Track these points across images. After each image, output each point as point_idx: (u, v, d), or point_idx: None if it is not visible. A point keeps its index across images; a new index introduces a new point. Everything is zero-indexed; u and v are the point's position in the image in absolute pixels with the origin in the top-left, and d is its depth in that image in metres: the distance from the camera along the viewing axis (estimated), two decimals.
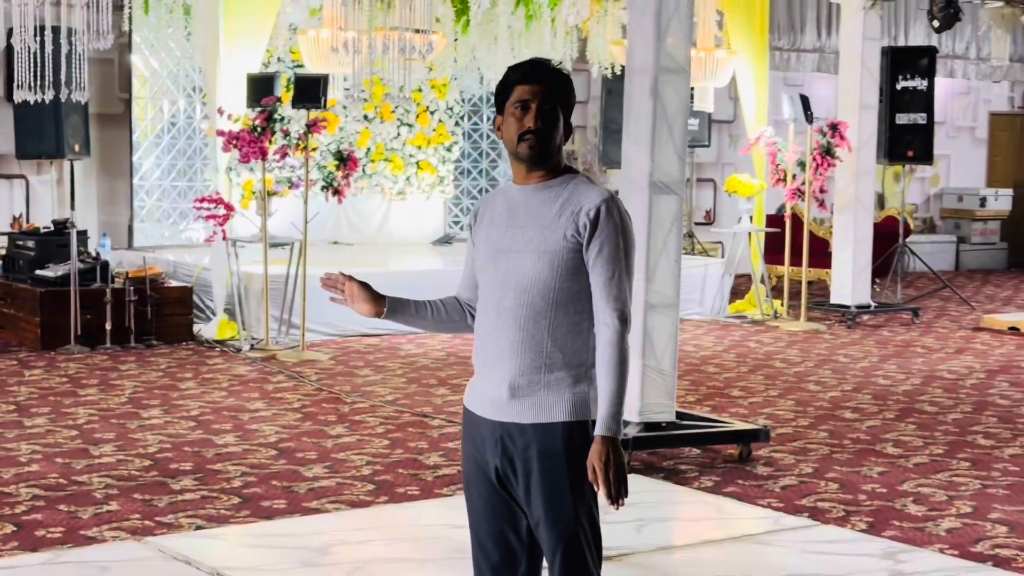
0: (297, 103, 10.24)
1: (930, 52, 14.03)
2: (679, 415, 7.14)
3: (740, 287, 13.75)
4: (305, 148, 10.21)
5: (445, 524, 5.69)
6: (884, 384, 9.56)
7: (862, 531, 5.78)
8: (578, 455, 3.20)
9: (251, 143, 9.90)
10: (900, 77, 13.60)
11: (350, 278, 3.39)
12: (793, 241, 12.62)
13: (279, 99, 10.18)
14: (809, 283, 12.80)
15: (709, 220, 16.80)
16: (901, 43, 17.02)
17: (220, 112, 10.27)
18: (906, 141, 13.67)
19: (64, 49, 10.25)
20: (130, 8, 11.98)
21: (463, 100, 14.93)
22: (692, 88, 10.91)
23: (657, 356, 6.93)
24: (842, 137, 12.21)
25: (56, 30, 10.17)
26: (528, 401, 3.22)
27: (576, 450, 3.20)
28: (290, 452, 7.10)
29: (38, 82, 9.79)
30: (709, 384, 9.41)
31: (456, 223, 15.42)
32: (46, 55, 9.75)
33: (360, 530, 5.64)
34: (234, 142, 9.92)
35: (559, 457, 3.21)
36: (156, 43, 13.14)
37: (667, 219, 6.97)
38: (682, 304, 7.44)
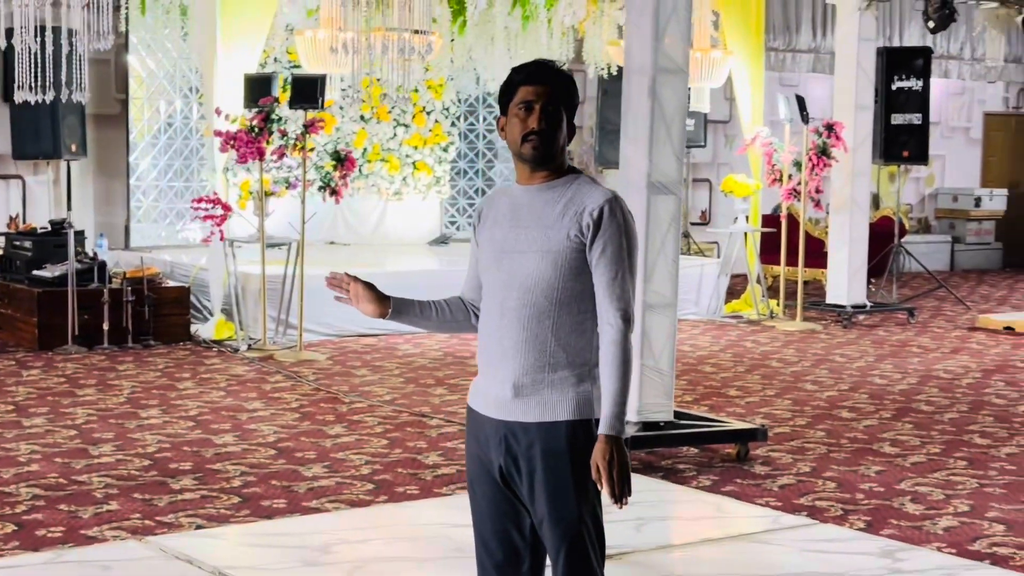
0: (294, 103, 10.26)
1: (925, 53, 14.06)
2: (677, 414, 7.17)
3: (736, 287, 13.78)
4: (302, 148, 10.22)
5: (445, 523, 5.71)
6: (880, 384, 9.59)
7: (860, 530, 5.80)
8: (582, 454, 3.22)
9: (248, 143, 9.91)
10: (895, 77, 13.63)
11: (355, 278, 3.41)
12: (789, 241, 12.65)
13: (276, 99, 10.19)
14: (805, 283, 12.83)
15: (705, 220, 16.82)
16: (896, 44, 17.06)
17: (218, 112, 10.28)
18: (901, 141, 13.71)
19: (64, 50, 10.25)
20: (127, 9, 11.97)
21: (459, 100, 14.95)
22: (688, 88, 10.92)
23: (655, 356, 6.95)
24: (838, 137, 12.25)
25: (56, 31, 10.17)
26: (532, 400, 3.23)
27: (580, 449, 3.22)
28: (289, 452, 7.11)
29: (38, 83, 9.79)
30: (706, 384, 9.44)
31: (452, 223, 15.44)
32: (46, 56, 9.76)
33: (360, 529, 5.66)
34: (232, 142, 9.94)
35: (563, 456, 3.23)
36: (153, 44, 13.15)
37: (665, 219, 6.99)
38: (678, 304, 7.46)
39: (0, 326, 10.90)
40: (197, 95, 13.23)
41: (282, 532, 5.58)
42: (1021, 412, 8.63)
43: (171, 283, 11.11)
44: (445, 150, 14.66)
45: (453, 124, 14.78)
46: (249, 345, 10.43)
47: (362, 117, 14.02)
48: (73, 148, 11.97)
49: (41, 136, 11.83)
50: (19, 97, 9.82)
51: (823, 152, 12.22)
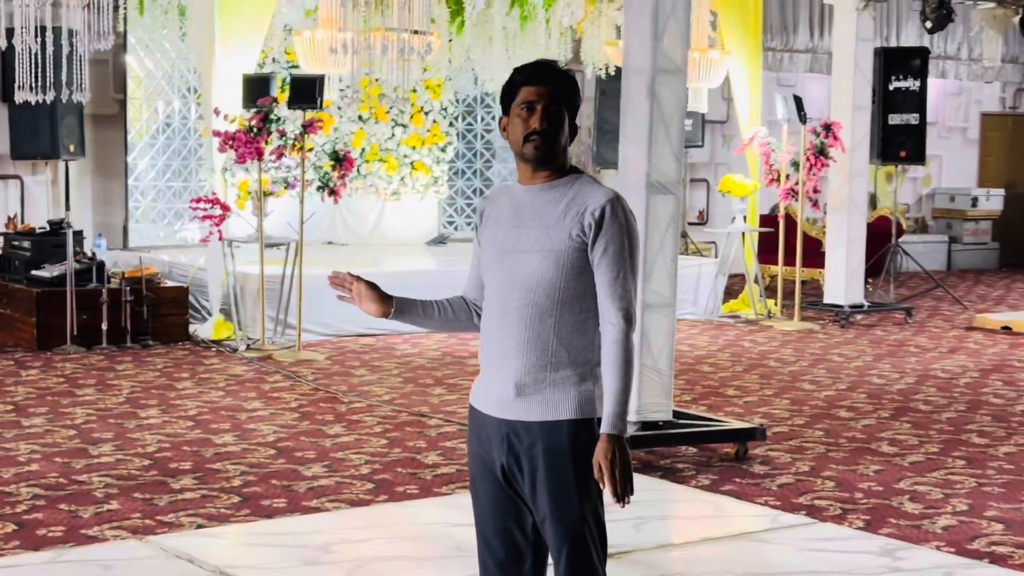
0: (293, 104, 10.26)
1: (922, 53, 14.08)
2: (676, 414, 7.18)
3: (734, 287, 13.79)
4: (301, 148, 10.23)
5: (445, 522, 5.73)
6: (878, 383, 9.61)
7: (859, 529, 5.82)
8: (584, 453, 3.23)
9: (247, 143, 9.92)
10: (893, 78, 13.64)
11: (358, 278, 3.43)
12: (786, 241, 12.67)
13: (275, 100, 10.20)
14: (802, 283, 12.84)
15: (702, 220, 16.84)
16: (893, 44, 17.08)
17: (216, 112, 10.29)
18: (899, 141, 13.72)
19: (64, 50, 10.25)
20: (125, 9, 11.97)
21: (457, 101, 14.96)
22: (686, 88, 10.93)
23: (654, 355, 6.96)
24: (835, 137, 12.26)
25: (56, 31, 10.17)
26: (534, 399, 3.25)
27: (582, 448, 3.23)
28: (289, 451, 7.12)
29: (38, 83, 9.79)
30: (704, 383, 9.45)
31: (450, 223, 15.44)
32: (46, 56, 9.76)
33: (360, 528, 5.67)
34: (230, 142, 9.94)
35: (565, 455, 3.24)
36: (151, 44, 13.15)
37: (664, 219, 7.00)
38: (676, 304, 7.47)
39: None
40: (195, 95, 13.23)
41: (282, 531, 5.59)
42: (1019, 411, 8.65)
43: (169, 283, 11.11)
44: (443, 150, 14.67)
45: (451, 124, 14.79)
46: (248, 345, 10.44)
47: (360, 117, 14.03)
48: (71, 148, 11.97)
49: (39, 136, 11.84)
50: (19, 97, 9.82)
51: (821, 152, 12.24)
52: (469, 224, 15.49)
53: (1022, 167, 19.95)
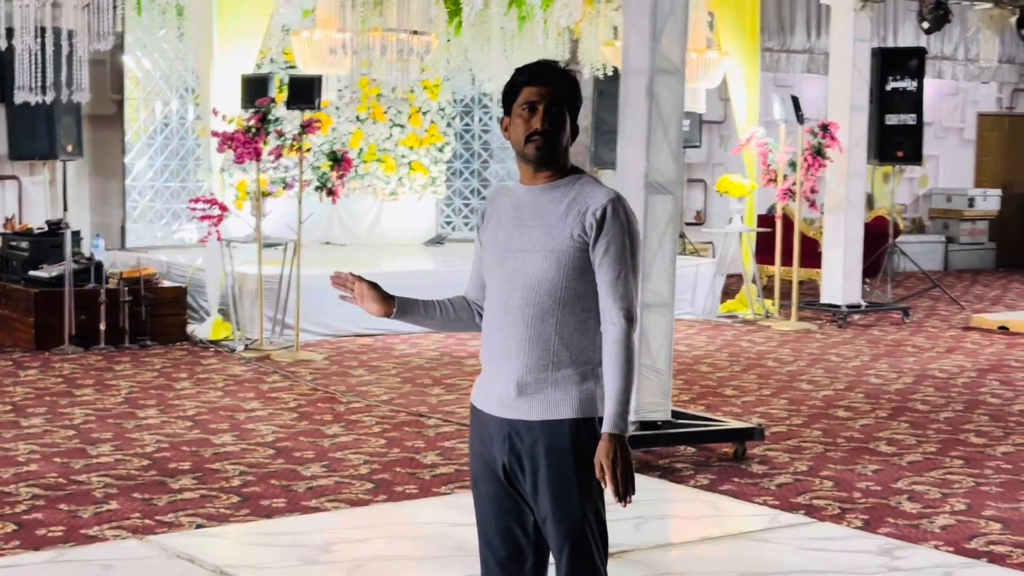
0: (292, 104, 10.27)
1: (919, 53, 14.09)
2: (674, 414, 7.19)
3: (731, 287, 13.81)
4: (299, 149, 10.23)
5: (444, 522, 5.74)
6: (876, 383, 9.62)
7: (858, 528, 5.83)
8: (585, 452, 3.24)
9: (246, 144, 9.92)
10: (890, 78, 13.66)
11: (359, 278, 3.44)
12: (784, 241, 12.68)
13: (273, 100, 10.20)
14: (800, 283, 12.86)
15: (699, 220, 16.85)
16: (890, 44, 17.09)
17: (215, 113, 10.29)
18: (896, 142, 13.73)
19: (63, 51, 10.25)
20: (122, 9, 11.97)
21: (455, 101, 14.97)
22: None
23: (652, 355, 6.97)
24: (833, 138, 12.28)
25: (55, 31, 10.17)
26: (536, 399, 3.26)
27: (583, 447, 3.24)
28: (288, 451, 7.13)
29: (38, 83, 9.80)
30: (702, 383, 9.46)
31: (448, 223, 15.45)
32: (46, 57, 9.76)
33: (360, 528, 5.68)
34: (229, 143, 9.95)
35: (566, 454, 3.25)
36: (149, 44, 13.15)
37: (662, 219, 7.01)
38: (674, 304, 7.47)
39: None
40: (193, 95, 13.24)
41: (282, 531, 5.60)
42: (1016, 411, 8.66)
43: (167, 283, 11.11)
44: (441, 150, 14.68)
45: (449, 124, 14.80)
46: (246, 345, 10.45)
47: (358, 118, 14.04)
48: (69, 149, 11.96)
49: (37, 136, 11.83)
50: (19, 98, 9.83)
51: (818, 152, 12.25)
52: (467, 224, 15.50)
53: (1019, 167, 19.98)
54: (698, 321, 12.68)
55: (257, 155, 10.02)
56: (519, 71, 3.30)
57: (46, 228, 11.26)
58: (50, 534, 5.50)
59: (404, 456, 7.07)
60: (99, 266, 10.59)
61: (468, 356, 10.37)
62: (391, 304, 3.42)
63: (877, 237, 14.12)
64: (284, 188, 10.93)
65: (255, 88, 10.18)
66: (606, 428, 3.19)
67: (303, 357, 10.08)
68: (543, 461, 3.26)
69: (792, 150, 12.44)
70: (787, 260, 12.70)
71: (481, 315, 3.43)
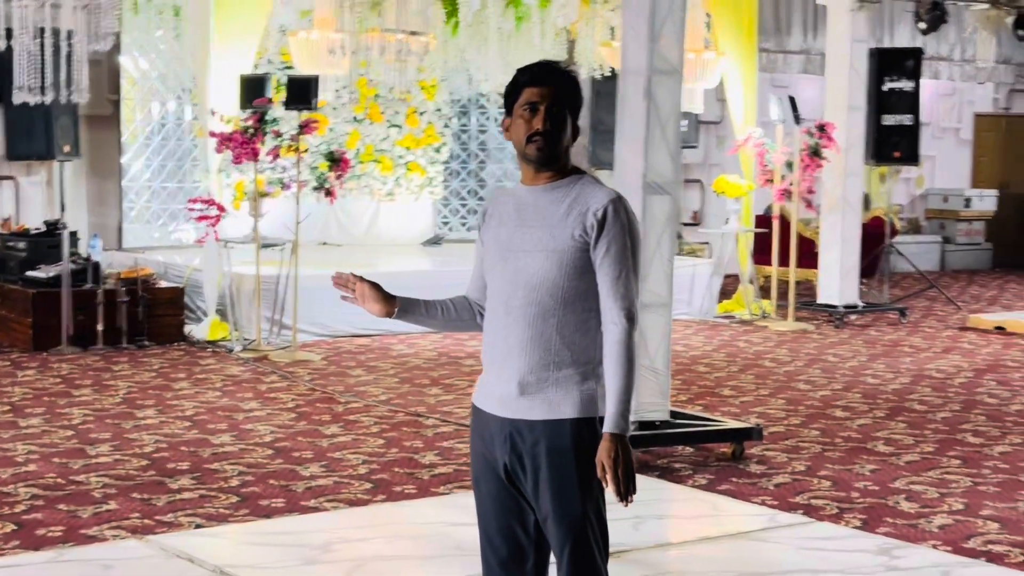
0: (289, 104, 10.27)
1: (916, 54, 14.11)
2: (672, 414, 7.20)
3: (728, 287, 13.81)
4: (297, 149, 10.24)
5: (444, 522, 5.75)
6: (873, 383, 9.64)
7: (856, 528, 5.84)
8: (586, 451, 3.25)
9: (244, 144, 9.93)
10: (887, 78, 13.67)
11: (361, 278, 3.44)
12: (781, 242, 12.69)
13: (271, 100, 10.21)
14: (796, 283, 12.87)
15: (696, 221, 16.86)
16: (887, 45, 17.11)
17: (213, 113, 10.29)
18: (893, 142, 13.74)
19: (62, 51, 10.24)
20: (119, 9, 11.97)
21: (452, 101, 14.97)
22: None
23: (651, 355, 6.98)
24: (830, 138, 12.29)
25: (54, 32, 10.16)
26: (537, 398, 3.26)
27: (584, 446, 3.25)
28: (286, 451, 7.13)
29: (36, 84, 9.79)
30: (700, 383, 9.47)
31: (445, 224, 15.46)
32: (45, 57, 9.76)
33: (359, 528, 5.69)
34: (227, 143, 9.95)
35: (567, 453, 3.26)
36: (146, 44, 13.15)
37: (660, 219, 7.02)
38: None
39: None
40: (190, 96, 13.24)
41: (282, 531, 5.60)
42: (1013, 411, 8.68)
43: (165, 284, 11.11)
44: (438, 151, 14.69)
45: (446, 125, 14.81)
46: (244, 346, 10.45)
47: (355, 118, 14.04)
48: (66, 149, 11.95)
49: (34, 137, 11.82)
50: (18, 98, 9.83)
51: (815, 153, 12.26)
52: (464, 225, 15.51)
53: (1015, 168, 20.01)
54: (695, 321, 12.69)
55: (255, 155, 10.02)
56: (520, 71, 3.31)
57: (44, 228, 11.26)
58: (49, 534, 5.50)
59: (403, 456, 7.08)
60: (96, 266, 10.60)
61: (466, 356, 10.38)
62: (393, 304, 3.42)
63: (874, 237, 14.13)
64: (282, 188, 10.93)
65: (253, 88, 10.18)
66: (607, 428, 3.20)
67: (301, 357, 10.09)
68: (544, 460, 3.27)
69: (789, 150, 12.45)
70: (784, 260, 12.71)
71: (482, 315, 3.44)
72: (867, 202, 16.14)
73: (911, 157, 14.06)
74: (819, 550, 5.50)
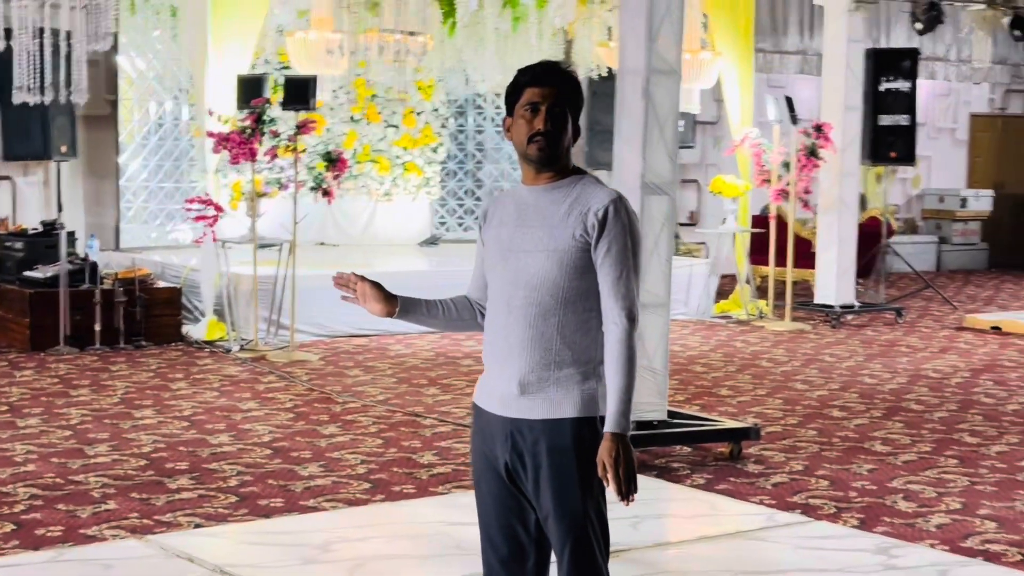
0: (287, 105, 10.28)
1: (912, 54, 14.13)
2: (670, 414, 7.22)
3: (724, 287, 13.83)
4: (294, 149, 10.24)
5: (443, 521, 5.76)
6: (870, 383, 9.65)
7: (854, 527, 5.85)
8: (587, 450, 3.26)
9: (241, 144, 9.93)
10: (883, 79, 13.69)
11: (362, 278, 3.45)
12: (777, 242, 12.71)
13: (268, 100, 10.21)
14: (793, 283, 12.89)
15: (693, 221, 16.88)
16: (883, 45, 17.13)
17: (210, 113, 10.30)
18: (889, 142, 13.75)
19: (61, 51, 10.24)
20: (116, 9, 11.96)
21: (449, 101, 14.98)
22: None
23: (649, 355, 6.99)
24: (826, 138, 12.31)
25: (53, 32, 10.16)
26: (538, 397, 3.27)
27: (585, 446, 3.26)
28: (285, 451, 7.14)
29: (35, 84, 9.79)
30: (697, 383, 9.48)
31: (442, 224, 15.47)
32: (44, 57, 9.76)
33: (359, 527, 5.69)
34: (225, 143, 9.95)
35: (568, 452, 3.27)
36: (143, 44, 13.15)
37: (659, 219, 7.04)
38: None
39: None
40: (187, 96, 13.24)
41: (282, 530, 5.61)
42: (1010, 411, 8.69)
43: (162, 284, 11.11)
44: (435, 151, 14.70)
45: (443, 125, 14.81)
46: (241, 346, 10.45)
47: (352, 118, 14.05)
48: (63, 149, 11.94)
49: (31, 137, 11.80)
50: (18, 98, 9.83)
51: (812, 153, 12.28)
52: (461, 225, 15.52)
53: (1011, 168, 20.04)
54: (692, 321, 12.71)
55: (252, 156, 10.02)
56: (522, 72, 3.32)
57: (41, 229, 11.26)
58: (49, 534, 5.51)
59: (401, 456, 7.09)
60: (94, 267, 10.59)
61: (463, 356, 10.39)
62: (394, 304, 3.43)
63: (870, 238, 14.15)
64: (279, 188, 10.93)
65: (250, 89, 10.19)
66: (608, 427, 3.21)
67: (298, 357, 10.09)
68: (545, 459, 3.28)
69: (786, 151, 12.47)
70: (781, 260, 12.72)
71: (483, 315, 3.45)
72: (863, 202, 16.17)
73: (907, 157, 14.08)
74: (817, 549, 5.51)
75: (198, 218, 10.15)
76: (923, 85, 16.54)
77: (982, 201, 19.11)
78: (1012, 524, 5.94)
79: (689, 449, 7.31)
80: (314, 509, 5.99)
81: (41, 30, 9.73)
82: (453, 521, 5.70)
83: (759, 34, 16.00)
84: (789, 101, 12.36)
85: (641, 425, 6.95)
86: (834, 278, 12.91)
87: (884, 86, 13.63)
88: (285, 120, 11.69)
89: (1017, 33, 14.33)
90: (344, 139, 13.96)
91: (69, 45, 10.22)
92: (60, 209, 12.03)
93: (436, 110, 14.61)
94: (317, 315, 10.88)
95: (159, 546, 5.29)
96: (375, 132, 14.21)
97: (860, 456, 7.26)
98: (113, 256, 12.20)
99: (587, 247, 3.25)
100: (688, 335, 11.88)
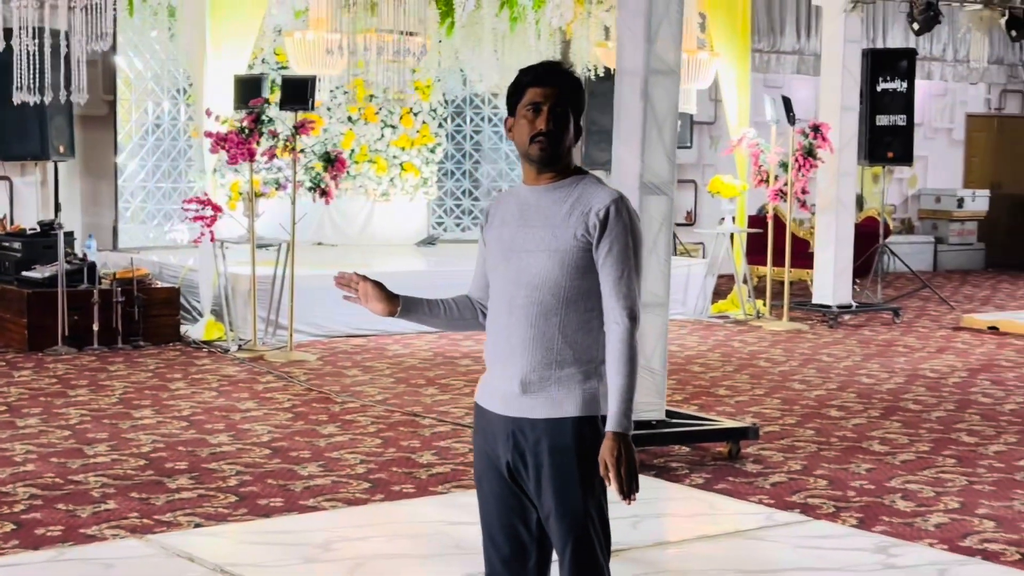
0: (285, 105, 10.28)
1: (909, 54, 14.15)
2: (668, 413, 7.23)
3: (722, 287, 13.85)
4: (293, 149, 10.25)
5: (443, 521, 5.77)
6: (868, 383, 9.67)
7: (853, 526, 5.86)
8: (588, 450, 3.27)
9: (239, 144, 9.94)
10: (880, 79, 13.71)
11: (364, 277, 3.46)
12: (775, 242, 12.72)
13: (266, 101, 10.22)
14: (790, 283, 12.90)
15: (690, 221, 16.90)
16: (880, 45, 17.15)
17: (208, 114, 10.30)
18: (886, 142, 13.78)
19: (60, 51, 10.24)
20: (115, 9, 11.96)
21: (446, 102, 14.99)
22: None
23: (647, 355, 7.00)
24: (824, 138, 12.33)
25: (53, 32, 10.17)
26: (539, 397, 3.28)
27: (586, 445, 3.27)
28: (284, 451, 7.15)
29: (34, 84, 9.80)
30: (695, 383, 9.50)
31: (440, 224, 15.47)
32: (44, 57, 9.77)
33: (359, 527, 5.70)
34: (223, 144, 9.96)
35: (569, 452, 3.28)
36: (141, 44, 13.15)
37: (657, 219, 7.05)
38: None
39: None
40: (185, 96, 13.24)
41: (282, 530, 5.62)
42: (1007, 411, 8.71)
43: (160, 284, 11.12)
44: (432, 151, 14.70)
45: (440, 125, 14.82)
46: (239, 346, 10.46)
47: (349, 118, 14.06)
48: (61, 149, 11.96)
49: (29, 137, 11.82)
50: (17, 98, 9.83)
51: (809, 153, 12.30)
52: (458, 225, 15.52)
53: (1007, 168, 20.06)
54: (689, 321, 12.72)
55: (251, 156, 10.03)
56: (523, 72, 3.33)
57: (39, 229, 11.26)
58: (49, 534, 5.51)
59: (400, 456, 7.10)
60: (92, 267, 10.60)
61: (461, 356, 10.40)
62: (395, 303, 3.44)
63: (867, 238, 14.17)
64: (277, 189, 10.94)
65: (248, 89, 10.20)
66: (610, 426, 3.22)
67: (296, 357, 10.10)
68: (546, 458, 3.29)
69: (783, 151, 12.49)
70: (778, 260, 12.74)
71: (484, 314, 3.46)
72: (860, 202, 16.20)
73: (904, 157, 14.11)
74: (816, 548, 5.53)
75: (196, 218, 10.15)
76: (920, 85, 16.55)
77: (979, 201, 19.13)
78: (1010, 523, 5.96)
79: (688, 449, 7.32)
80: (314, 509, 6.00)
81: (40, 30, 9.73)
82: (453, 521, 5.71)
83: (756, 34, 16.05)
84: (786, 101, 12.38)
85: (639, 425, 6.94)
86: (831, 278, 12.92)
87: (881, 86, 13.65)
88: (283, 120, 11.71)
89: (1014, 33, 14.33)
90: (342, 139, 13.96)
91: (68, 45, 10.23)
92: (58, 209, 12.06)
93: (434, 110, 14.62)
94: (315, 315, 10.89)
95: (159, 546, 5.30)
96: (373, 132, 14.22)
97: (858, 456, 7.27)
98: (111, 256, 12.20)
99: (589, 247, 3.26)
100: (686, 335, 11.90)
